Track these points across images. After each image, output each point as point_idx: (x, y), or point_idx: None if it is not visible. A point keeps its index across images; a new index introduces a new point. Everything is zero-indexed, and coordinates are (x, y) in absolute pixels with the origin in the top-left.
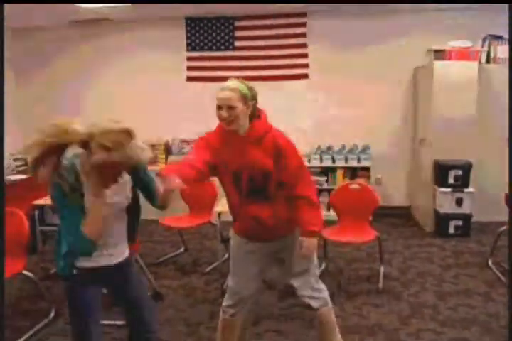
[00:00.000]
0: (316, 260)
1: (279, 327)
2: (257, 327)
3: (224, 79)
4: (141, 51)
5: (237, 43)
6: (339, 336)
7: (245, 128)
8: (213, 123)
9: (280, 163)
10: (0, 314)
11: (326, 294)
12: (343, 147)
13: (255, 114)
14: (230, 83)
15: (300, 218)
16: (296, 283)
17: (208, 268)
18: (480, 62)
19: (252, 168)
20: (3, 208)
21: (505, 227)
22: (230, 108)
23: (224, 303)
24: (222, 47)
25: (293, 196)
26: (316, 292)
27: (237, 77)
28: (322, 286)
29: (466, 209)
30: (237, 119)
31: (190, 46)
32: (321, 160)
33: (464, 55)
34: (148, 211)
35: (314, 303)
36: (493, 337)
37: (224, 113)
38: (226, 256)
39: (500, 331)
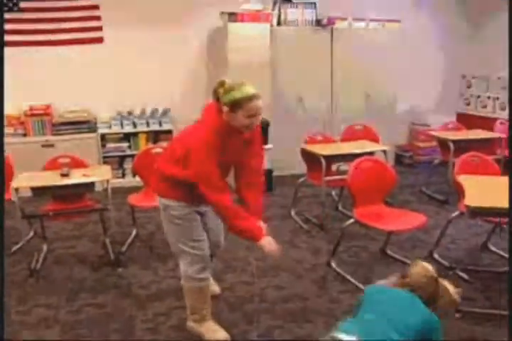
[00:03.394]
0: None
1: (96, 299)
2: (72, 303)
3: (11, 44)
4: None
5: (23, 4)
6: None
7: None
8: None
9: (252, 148)
10: (0, 310)
11: None
12: (144, 111)
13: None
14: (251, 87)
15: (258, 202)
16: (221, 238)
17: (13, 249)
18: (272, 25)
19: (238, 159)
20: (2, 205)
21: (302, 179)
22: (260, 114)
23: (193, 272)
24: (6, 8)
25: (256, 178)
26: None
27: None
28: None
29: (266, 164)
30: None
31: None
32: (122, 125)
33: (256, 17)
34: None
35: (216, 252)
36: (301, 280)
37: (257, 121)
38: (31, 234)
39: (306, 274)
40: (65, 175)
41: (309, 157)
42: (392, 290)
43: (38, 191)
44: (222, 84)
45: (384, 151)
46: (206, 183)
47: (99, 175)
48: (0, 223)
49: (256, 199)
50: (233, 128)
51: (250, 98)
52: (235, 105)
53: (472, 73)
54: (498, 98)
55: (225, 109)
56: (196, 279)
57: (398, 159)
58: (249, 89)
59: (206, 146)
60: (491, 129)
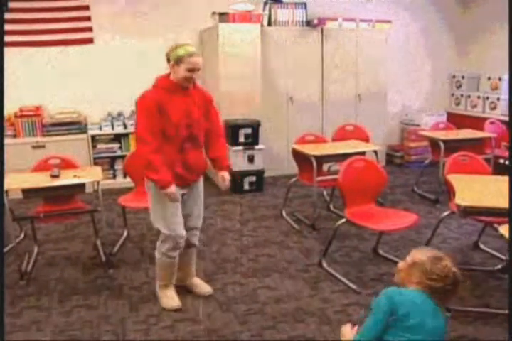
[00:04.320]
0: None
1: (87, 301)
2: (63, 304)
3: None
4: None
5: (12, 4)
6: None
7: None
8: None
9: (209, 113)
10: (1, 308)
11: None
12: (134, 112)
13: None
14: (192, 47)
15: (221, 154)
16: (198, 223)
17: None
18: (262, 25)
19: (191, 117)
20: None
21: (294, 179)
22: (198, 70)
23: (164, 249)
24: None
25: (218, 137)
26: (199, 231)
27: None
28: None
29: (258, 165)
30: None
31: None
32: (113, 126)
33: (246, 18)
34: None
35: (196, 241)
36: (293, 281)
37: (194, 75)
38: (22, 236)
39: (298, 274)
40: (55, 177)
41: (300, 157)
42: (415, 296)
43: (29, 193)
44: (172, 47)
45: (375, 151)
46: (139, 135)
47: (90, 176)
48: (0, 223)
49: (220, 154)
50: (178, 87)
51: (190, 54)
52: (179, 60)
53: (462, 73)
54: (487, 98)
55: (171, 63)
56: (165, 255)
57: (389, 159)
58: (190, 48)
59: (145, 101)
60: (481, 129)
